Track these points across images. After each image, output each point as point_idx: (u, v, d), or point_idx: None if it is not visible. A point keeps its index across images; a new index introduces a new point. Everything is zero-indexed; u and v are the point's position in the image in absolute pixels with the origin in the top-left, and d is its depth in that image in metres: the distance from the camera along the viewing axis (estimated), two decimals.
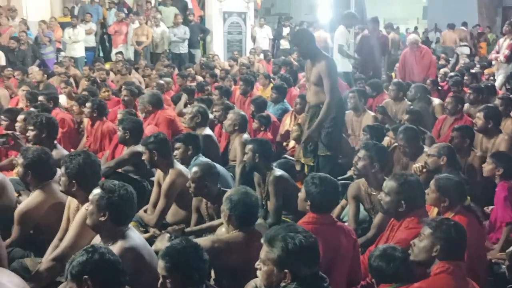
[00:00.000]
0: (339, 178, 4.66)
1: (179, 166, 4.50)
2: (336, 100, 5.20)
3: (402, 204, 3.41)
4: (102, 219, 3.02)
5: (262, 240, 2.51)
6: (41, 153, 3.98)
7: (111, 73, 11.30)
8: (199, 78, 10.93)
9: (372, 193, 4.24)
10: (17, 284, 2.58)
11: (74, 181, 3.56)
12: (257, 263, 2.52)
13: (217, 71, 11.37)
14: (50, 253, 3.57)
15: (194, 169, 4.01)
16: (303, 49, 5.37)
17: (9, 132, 4.60)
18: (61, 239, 3.66)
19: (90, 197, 3.12)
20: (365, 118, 6.63)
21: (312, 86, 5.27)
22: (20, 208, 3.88)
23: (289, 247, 2.41)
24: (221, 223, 3.67)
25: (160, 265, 2.59)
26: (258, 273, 2.50)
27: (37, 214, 3.82)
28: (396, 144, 5.27)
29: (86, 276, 2.33)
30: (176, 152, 4.79)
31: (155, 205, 4.53)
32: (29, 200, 3.90)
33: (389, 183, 3.48)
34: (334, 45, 9.42)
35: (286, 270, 2.41)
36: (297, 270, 2.41)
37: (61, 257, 3.35)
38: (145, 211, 4.58)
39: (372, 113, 6.81)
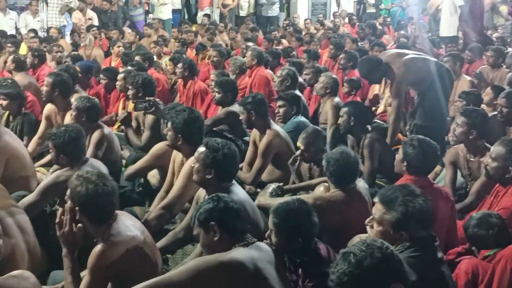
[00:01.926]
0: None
1: (275, 126, 4.59)
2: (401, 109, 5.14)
3: (510, 170, 3.34)
4: (208, 176, 3.15)
5: (376, 199, 2.54)
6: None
7: (199, 36, 11.51)
8: (285, 42, 10.94)
9: (471, 159, 4.18)
10: (139, 228, 2.78)
11: (179, 136, 3.73)
12: (368, 220, 2.56)
13: None
14: (157, 204, 3.79)
15: (305, 137, 4.08)
16: (370, 79, 5.53)
17: (150, 98, 4.86)
18: (166, 191, 3.87)
19: (196, 155, 3.25)
20: (461, 82, 6.43)
21: None
22: (156, 146, 4.20)
23: (409, 211, 2.43)
24: (319, 182, 3.76)
25: (270, 219, 2.71)
26: (370, 230, 2.54)
27: (164, 158, 4.08)
28: (494, 113, 5.11)
29: (213, 222, 2.47)
30: (279, 110, 4.89)
31: (250, 164, 4.67)
32: (162, 143, 4.19)
33: (497, 149, 3.42)
34: (433, 8, 9.10)
35: (402, 232, 2.44)
36: (414, 232, 2.45)
37: (169, 206, 3.56)
38: (240, 169, 4.72)
39: (469, 78, 6.59)
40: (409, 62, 5.09)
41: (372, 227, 2.52)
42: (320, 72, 6.31)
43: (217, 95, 5.44)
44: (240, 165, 4.71)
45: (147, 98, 4.88)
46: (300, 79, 6.54)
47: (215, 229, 2.46)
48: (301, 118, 4.93)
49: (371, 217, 2.54)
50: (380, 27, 13.05)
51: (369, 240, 2.01)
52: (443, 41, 9.39)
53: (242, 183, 4.56)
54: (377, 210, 2.51)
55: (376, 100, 6.97)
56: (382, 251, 1.91)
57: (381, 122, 6.05)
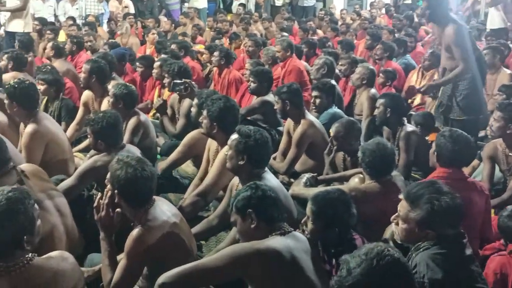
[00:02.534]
0: None
1: (310, 116, 4.57)
2: (471, 64, 4.95)
3: None
4: (241, 162, 3.16)
5: (401, 196, 2.48)
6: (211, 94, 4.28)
7: (234, 25, 11.52)
8: (320, 33, 10.86)
9: (510, 154, 4.10)
10: (175, 214, 2.81)
11: (215, 124, 3.74)
12: (393, 217, 2.50)
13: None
14: (192, 191, 3.82)
15: (337, 126, 4.06)
16: (432, 12, 5.09)
17: (186, 80, 4.93)
18: (201, 179, 3.90)
19: (229, 142, 3.27)
20: (500, 76, 6.28)
21: (444, 51, 5.06)
22: (188, 136, 4.19)
23: (435, 210, 2.35)
24: (354, 174, 3.73)
25: (308, 206, 2.71)
26: (395, 227, 2.49)
27: (198, 146, 4.10)
28: None
29: (250, 210, 2.48)
30: (314, 100, 4.89)
31: (284, 153, 4.67)
32: (194, 132, 4.19)
33: None
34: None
35: (428, 231, 2.37)
36: (441, 231, 2.37)
37: (204, 194, 3.59)
38: (274, 158, 4.72)
39: (509, 71, 6.43)
40: (462, 27, 4.97)
41: (397, 224, 2.46)
42: (356, 63, 6.25)
43: (252, 85, 5.44)
44: (274, 155, 4.72)
45: (184, 80, 4.92)
46: (335, 70, 6.49)
47: (252, 217, 2.47)
48: (336, 109, 4.93)
49: (396, 214, 2.48)
50: (417, 18, 12.84)
51: (373, 245, 1.92)
52: (489, 34, 9.11)
53: (275, 173, 4.58)
54: (402, 207, 2.44)
55: (411, 92, 6.86)
56: (373, 262, 1.84)
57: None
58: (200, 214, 3.71)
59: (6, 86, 4.18)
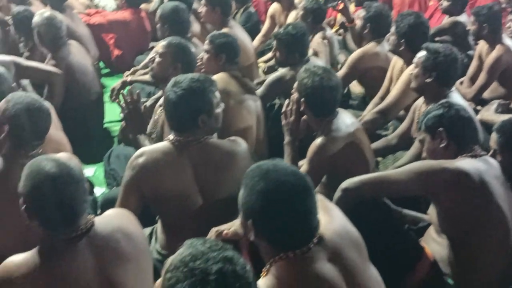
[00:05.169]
0: None
1: (508, 41, 4.21)
2: None
3: None
4: (428, 80, 3.05)
5: None
6: (382, 9, 4.15)
7: None
8: None
9: None
10: (356, 126, 2.83)
11: (402, 40, 3.61)
12: None
13: None
14: (371, 108, 3.79)
15: None
16: None
17: None
18: (381, 97, 3.84)
19: (415, 60, 3.16)
20: None
21: None
22: (355, 54, 4.16)
23: None
24: None
25: (493, 138, 2.55)
26: None
27: (367, 61, 4.06)
28: None
29: (441, 129, 2.40)
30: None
31: (472, 79, 4.41)
32: (365, 47, 4.12)
33: None
34: None
35: None
36: None
37: (384, 112, 3.55)
38: (461, 83, 4.48)
39: None
40: None
41: None
42: None
43: (445, 3, 5.11)
44: (461, 80, 4.47)
45: None
46: None
47: (442, 136, 2.39)
48: None
49: None
50: None
51: None
52: None
53: None
54: None
55: None
56: None
57: None
58: (378, 132, 3.68)
59: None
